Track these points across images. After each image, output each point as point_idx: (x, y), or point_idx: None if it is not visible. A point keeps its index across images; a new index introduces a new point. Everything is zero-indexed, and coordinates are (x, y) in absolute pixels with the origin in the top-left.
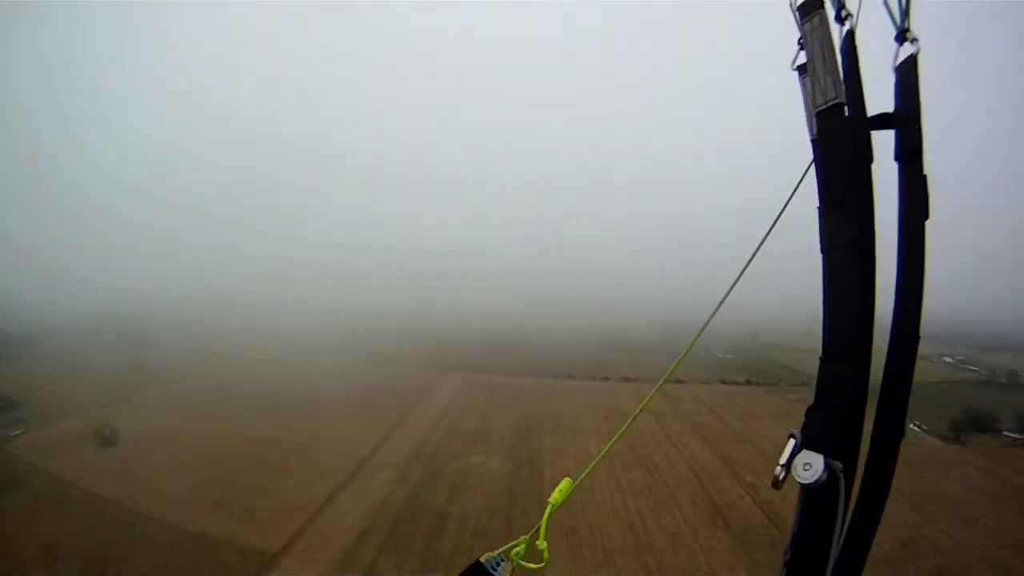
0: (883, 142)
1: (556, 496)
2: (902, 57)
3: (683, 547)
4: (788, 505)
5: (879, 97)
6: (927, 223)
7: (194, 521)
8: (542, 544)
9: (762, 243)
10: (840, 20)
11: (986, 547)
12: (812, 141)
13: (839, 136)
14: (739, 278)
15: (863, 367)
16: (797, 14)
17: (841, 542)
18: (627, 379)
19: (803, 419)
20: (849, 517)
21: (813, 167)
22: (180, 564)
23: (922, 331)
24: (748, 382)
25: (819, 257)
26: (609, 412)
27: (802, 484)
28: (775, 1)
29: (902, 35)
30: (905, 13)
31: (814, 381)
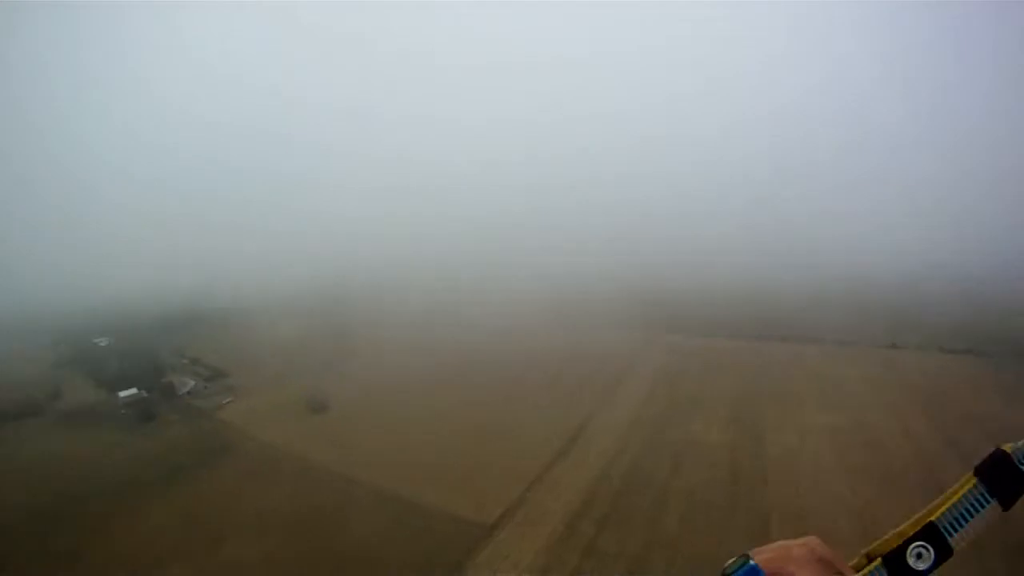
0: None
1: None
2: None
3: None
4: None
5: None
6: None
7: (407, 489)
8: None
9: None
10: None
11: None
12: None
13: None
14: None
15: None
16: None
17: None
18: (894, 345)
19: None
20: None
21: None
22: (393, 534)
23: None
24: (969, 351)
25: None
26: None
27: None
28: None
29: None
30: None
31: None
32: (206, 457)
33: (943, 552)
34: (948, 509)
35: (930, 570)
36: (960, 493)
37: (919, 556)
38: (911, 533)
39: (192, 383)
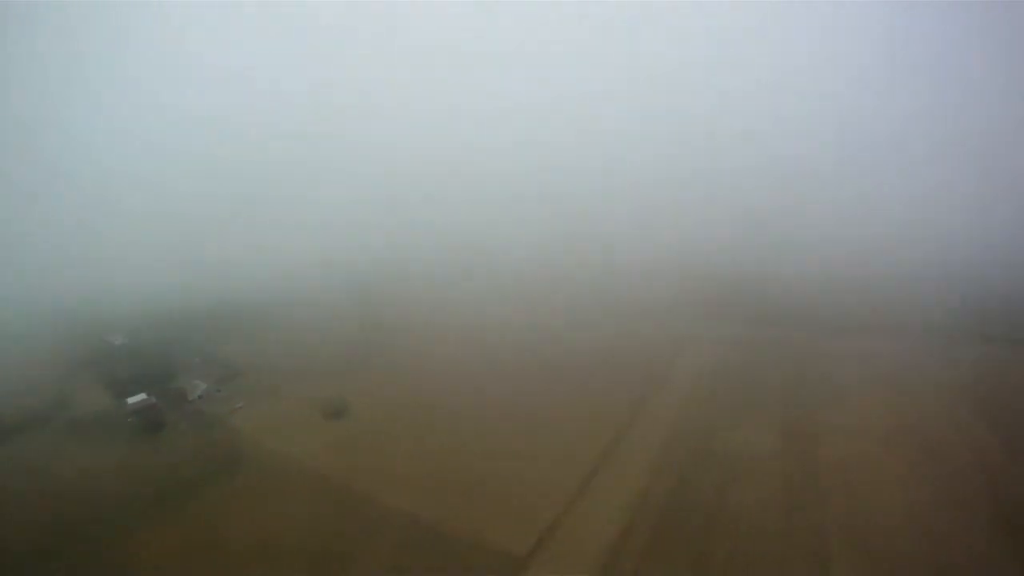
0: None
1: None
2: None
3: None
4: None
5: None
6: None
7: (430, 513)
8: None
9: None
10: None
11: None
12: None
13: None
14: None
15: None
16: None
17: None
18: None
19: None
20: None
21: None
22: (414, 566)
23: None
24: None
25: None
26: None
27: None
28: None
29: None
30: None
31: None
32: (213, 473)
33: None
34: None
35: None
36: None
37: None
38: None
39: (204, 387)
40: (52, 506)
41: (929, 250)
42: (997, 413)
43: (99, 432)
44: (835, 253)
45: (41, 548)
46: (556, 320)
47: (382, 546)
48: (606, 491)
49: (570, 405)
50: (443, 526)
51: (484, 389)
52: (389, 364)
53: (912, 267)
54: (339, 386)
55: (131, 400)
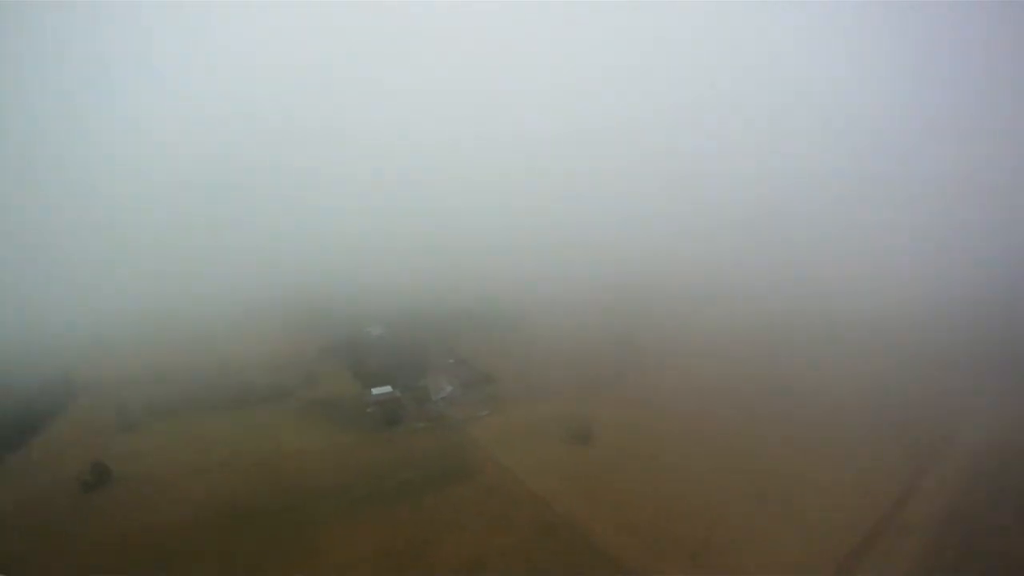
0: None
1: None
2: None
3: None
4: None
5: None
6: None
7: (653, 564)
8: None
9: None
10: None
11: None
12: None
13: None
14: None
15: None
16: None
17: None
18: None
19: None
20: None
21: None
22: None
23: None
24: None
25: None
26: None
27: None
28: None
29: None
30: None
31: None
32: (439, 479)
33: None
34: None
35: None
36: None
37: None
38: None
39: (449, 388)
40: (262, 476)
41: None
42: None
43: (336, 416)
44: None
45: (244, 513)
46: (833, 349)
47: None
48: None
49: (844, 448)
50: None
51: (748, 423)
52: (643, 387)
53: None
54: (590, 406)
55: (375, 391)
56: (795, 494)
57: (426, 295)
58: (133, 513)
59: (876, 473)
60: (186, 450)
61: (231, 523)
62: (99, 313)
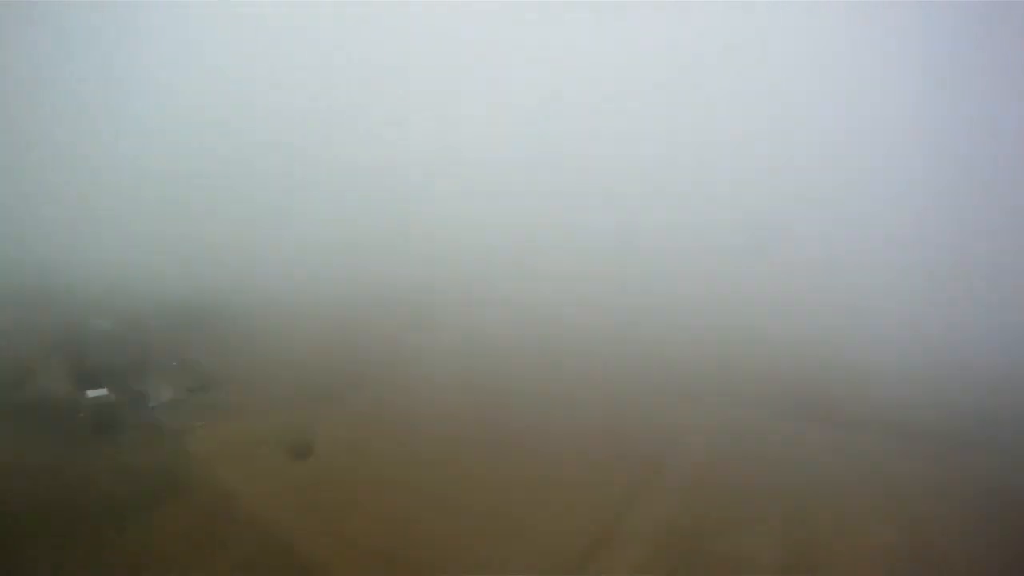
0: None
1: None
2: None
3: None
4: None
5: None
6: None
7: None
8: None
9: None
10: None
11: None
12: None
13: None
14: None
15: None
16: None
17: None
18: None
19: None
20: None
21: None
22: None
23: None
24: None
25: None
26: None
27: None
28: None
29: None
30: None
31: None
32: (149, 497)
33: None
34: None
35: None
36: None
37: None
38: None
39: (170, 392)
40: None
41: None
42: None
43: (42, 421)
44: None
45: None
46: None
47: None
48: None
49: (554, 482)
50: None
51: (476, 440)
52: (369, 400)
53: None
54: (315, 418)
55: (91, 393)
56: (521, 508)
57: (157, 288)
58: None
59: (597, 485)
60: None
61: None
62: None
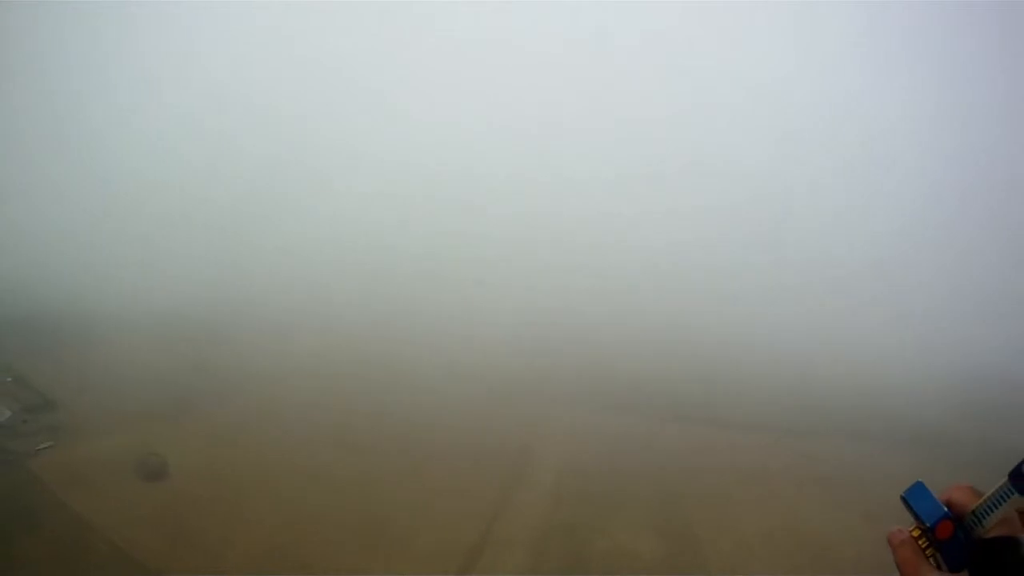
0: None
1: None
2: None
3: None
4: None
5: None
6: None
7: None
8: None
9: None
10: None
11: None
12: None
13: None
14: None
15: None
16: None
17: None
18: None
19: None
20: None
21: None
22: None
23: None
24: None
25: None
26: None
27: None
28: None
29: None
30: None
31: None
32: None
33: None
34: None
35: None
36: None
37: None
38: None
39: (7, 413)
40: None
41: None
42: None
43: None
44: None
45: None
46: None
47: None
48: None
49: (428, 489)
50: None
51: (340, 456)
52: (220, 413)
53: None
54: (164, 438)
55: None
56: (390, 520)
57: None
58: None
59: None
60: None
61: None
62: None
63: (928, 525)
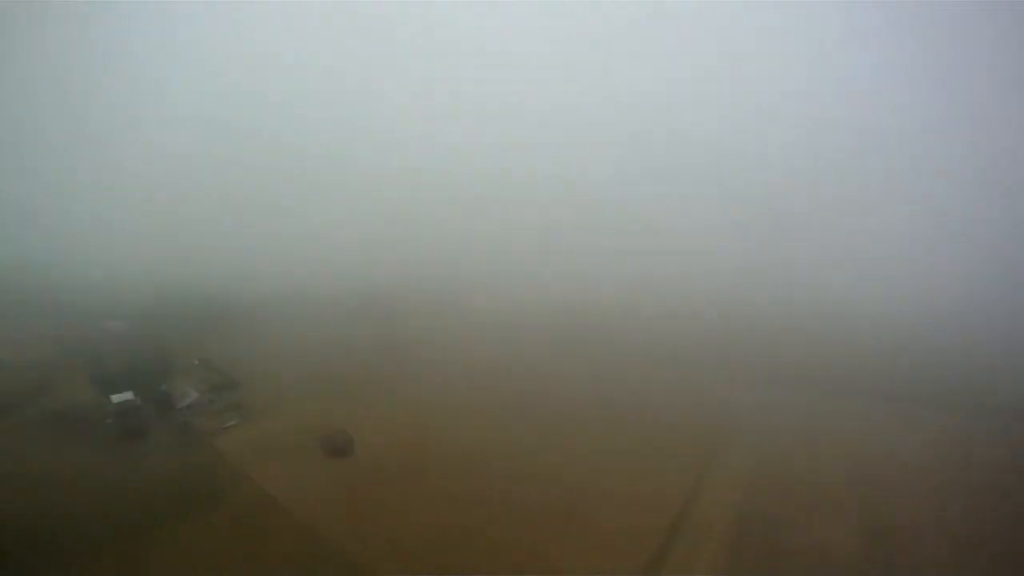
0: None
1: None
2: None
3: None
4: None
5: None
6: None
7: None
8: None
9: None
10: None
11: None
12: None
13: None
14: None
15: None
16: None
17: None
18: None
19: None
20: None
21: None
22: None
23: None
24: None
25: None
26: None
27: None
28: None
29: None
30: None
31: None
32: (188, 504)
33: None
34: None
35: None
36: None
37: None
38: None
39: (195, 394)
40: None
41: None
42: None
43: (70, 429)
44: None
45: None
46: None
47: None
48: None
49: (610, 466)
50: None
51: (504, 435)
52: (410, 394)
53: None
54: (349, 414)
55: (116, 398)
56: (580, 503)
57: (169, 284)
58: None
59: (665, 476)
60: None
61: None
62: None
63: None
